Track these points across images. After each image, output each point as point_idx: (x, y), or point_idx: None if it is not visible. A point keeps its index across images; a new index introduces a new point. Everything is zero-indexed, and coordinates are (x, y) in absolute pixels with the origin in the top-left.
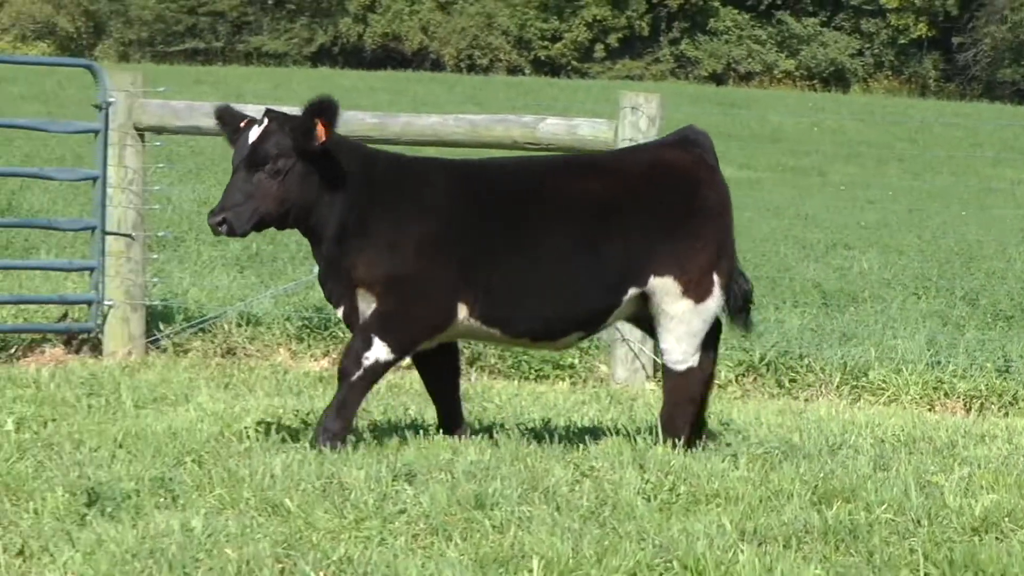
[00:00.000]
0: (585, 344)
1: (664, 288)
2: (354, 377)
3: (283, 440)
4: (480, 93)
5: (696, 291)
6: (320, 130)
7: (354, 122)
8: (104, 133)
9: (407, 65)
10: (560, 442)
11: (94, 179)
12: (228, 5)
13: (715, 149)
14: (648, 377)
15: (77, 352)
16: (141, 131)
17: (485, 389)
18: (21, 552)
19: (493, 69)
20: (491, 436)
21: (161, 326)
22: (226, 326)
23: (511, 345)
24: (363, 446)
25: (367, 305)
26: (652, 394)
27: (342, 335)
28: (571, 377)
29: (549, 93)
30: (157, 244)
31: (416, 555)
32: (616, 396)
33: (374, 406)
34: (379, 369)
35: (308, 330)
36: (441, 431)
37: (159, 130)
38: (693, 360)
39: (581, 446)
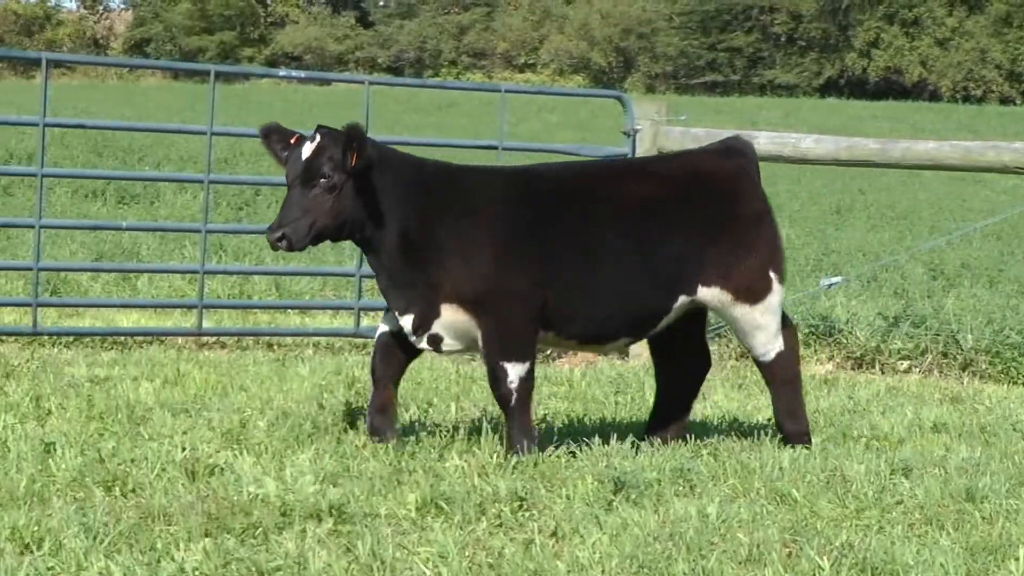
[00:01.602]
0: None
1: (714, 297)
2: (513, 403)
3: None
4: (974, 121)
5: (749, 295)
6: (352, 155)
7: (858, 148)
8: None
9: (906, 95)
10: None
11: None
12: (745, 42)
13: (758, 159)
14: None
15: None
16: None
17: (976, 392)
18: (554, 533)
19: (986, 99)
20: (983, 435)
21: None
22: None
23: (561, 347)
24: (863, 443)
25: (454, 316)
26: None
27: (845, 341)
28: None
29: None
30: None
31: (911, 543)
32: None
33: (874, 407)
34: (528, 383)
35: (815, 336)
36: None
37: None
38: (777, 345)
39: None
